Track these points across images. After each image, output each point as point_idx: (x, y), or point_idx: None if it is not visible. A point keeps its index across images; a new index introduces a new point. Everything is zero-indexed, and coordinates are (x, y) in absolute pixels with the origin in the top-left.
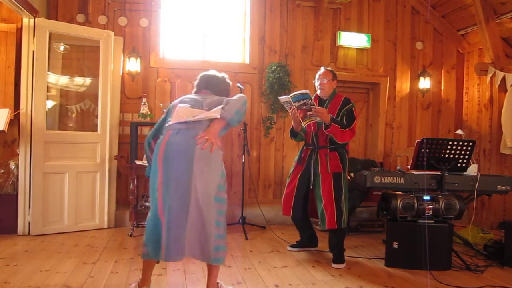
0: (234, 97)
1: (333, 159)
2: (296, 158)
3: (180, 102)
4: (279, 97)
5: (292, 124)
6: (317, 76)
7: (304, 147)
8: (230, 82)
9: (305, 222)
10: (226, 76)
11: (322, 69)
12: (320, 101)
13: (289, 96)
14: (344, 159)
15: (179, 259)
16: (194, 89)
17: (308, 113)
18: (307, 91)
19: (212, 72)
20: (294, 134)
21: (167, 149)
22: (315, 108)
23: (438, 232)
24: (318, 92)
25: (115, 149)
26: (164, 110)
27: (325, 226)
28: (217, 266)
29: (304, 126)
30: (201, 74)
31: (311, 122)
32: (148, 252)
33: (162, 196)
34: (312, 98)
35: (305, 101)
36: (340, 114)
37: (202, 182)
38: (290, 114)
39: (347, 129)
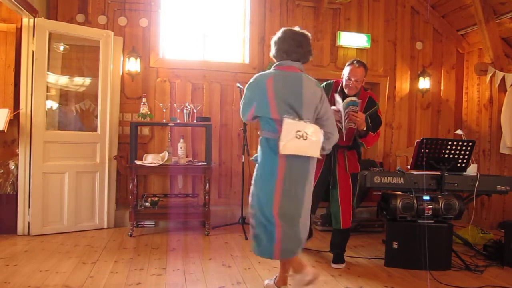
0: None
1: (351, 159)
2: None
3: (277, 99)
4: (338, 96)
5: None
6: (348, 70)
7: None
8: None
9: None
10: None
11: (355, 64)
12: (344, 96)
13: (342, 102)
14: (360, 159)
15: None
16: (279, 60)
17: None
18: (357, 101)
19: (295, 29)
20: None
21: None
22: (355, 114)
23: (437, 232)
24: (345, 87)
25: (115, 149)
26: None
27: (340, 226)
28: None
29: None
30: (283, 32)
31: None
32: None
33: None
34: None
35: (348, 108)
36: (365, 116)
37: None
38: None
39: (375, 133)
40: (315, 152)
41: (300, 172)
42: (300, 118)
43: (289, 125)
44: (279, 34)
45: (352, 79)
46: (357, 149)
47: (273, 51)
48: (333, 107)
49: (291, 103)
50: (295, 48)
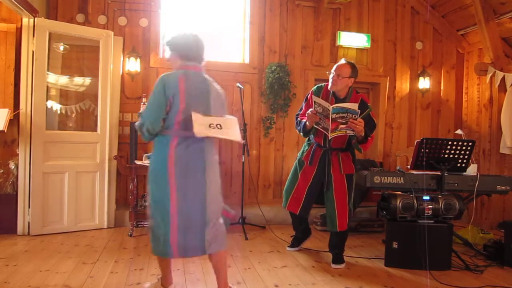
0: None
1: (346, 160)
2: (301, 155)
3: (187, 95)
4: (315, 96)
5: (307, 122)
6: (334, 67)
7: (315, 147)
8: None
9: (304, 218)
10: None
11: (342, 61)
12: (335, 100)
13: (330, 105)
14: (355, 159)
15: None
16: (184, 61)
17: (341, 126)
18: (356, 106)
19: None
20: (305, 132)
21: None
22: (355, 120)
23: (437, 232)
24: (330, 85)
25: (115, 149)
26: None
27: (336, 229)
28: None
29: (330, 138)
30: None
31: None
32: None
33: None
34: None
35: (346, 114)
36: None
37: None
38: (309, 112)
39: (369, 138)
40: (235, 137)
41: (192, 163)
42: (208, 114)
43: (198, 118)
44: (180, 35)
45: (334, 72)
46: (351, 150)
47: (175, 51)
48: (310, 110)
49: (200, 102)
50: (196, 50)
